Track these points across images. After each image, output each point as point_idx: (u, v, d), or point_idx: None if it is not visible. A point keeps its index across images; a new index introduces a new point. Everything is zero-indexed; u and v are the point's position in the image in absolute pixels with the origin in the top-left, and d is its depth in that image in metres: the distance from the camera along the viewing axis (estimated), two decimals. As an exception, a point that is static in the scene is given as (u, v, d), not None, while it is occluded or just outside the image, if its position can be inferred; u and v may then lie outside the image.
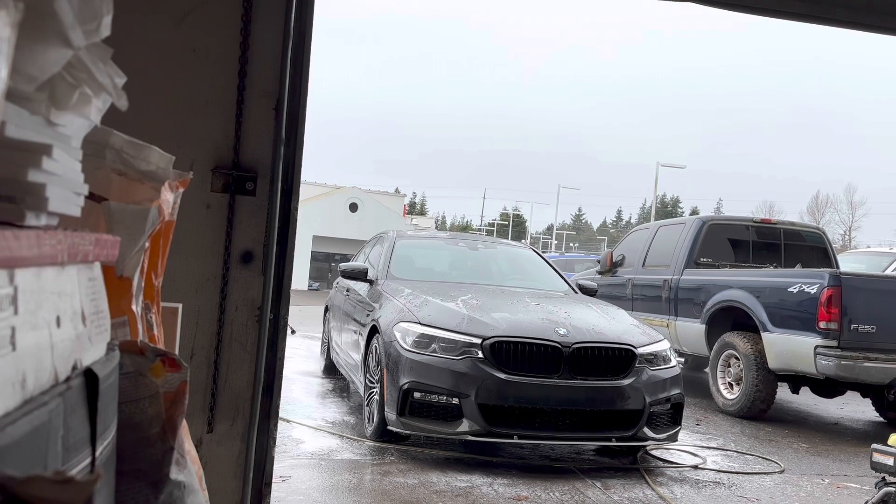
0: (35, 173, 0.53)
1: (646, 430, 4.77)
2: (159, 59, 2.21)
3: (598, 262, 10.74)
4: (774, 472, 5.10)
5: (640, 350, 4.87)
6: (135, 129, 0.92)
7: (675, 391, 4.95)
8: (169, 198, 0.94)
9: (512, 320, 4.91)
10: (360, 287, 6.19)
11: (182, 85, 2.24)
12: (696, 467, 5.05)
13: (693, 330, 7.95)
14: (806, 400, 7.84)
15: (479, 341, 4.63)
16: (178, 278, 2.14)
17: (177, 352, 1.19)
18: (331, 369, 7.34)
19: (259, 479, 2.35)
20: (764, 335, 6.91)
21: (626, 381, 4.72)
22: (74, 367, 0.58)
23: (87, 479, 0.40)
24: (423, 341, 4.69)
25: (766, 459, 5.43)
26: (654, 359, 4.93)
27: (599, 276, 9.86)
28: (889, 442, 3.52)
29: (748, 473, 5.04)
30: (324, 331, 7.97)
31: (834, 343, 6.31)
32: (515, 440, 4.60)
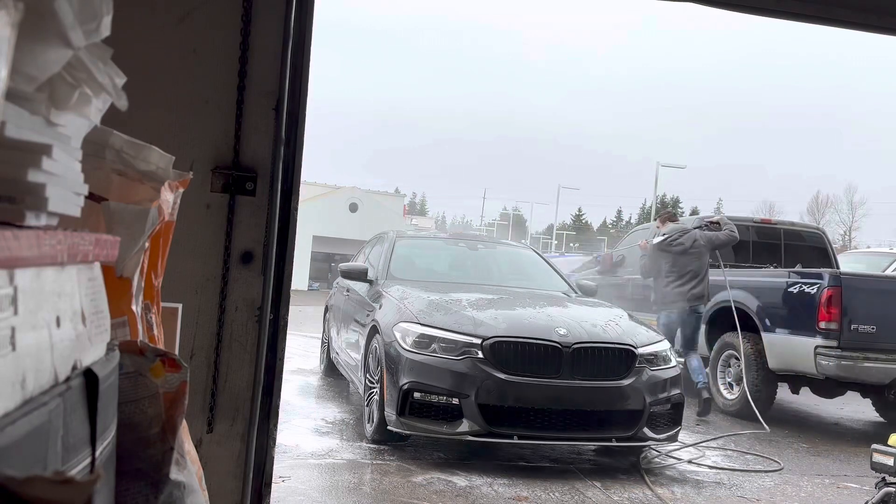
0: (35, 173, 0.52)
1: (646, 430, 4.77)
2: (159, 59, 2.21)
3: (597, 258, 10.73)
4: (774, 472, 5.10)
5: (640, 350, 4.87)
6: (135, 129, 0.92)
7: (675, 391, 4.96)
8: (169, 198, 0.94)
9: (512, 320, 4.91)
10: (360, 287, 6.19)
11: (182, 85, 2.24)
12: (690, 462, 5.05)
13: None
14: (806, 400, 7.84)
15: (479, 341, 4.63)
16: (178, 278, 2.14)
17: (177, 352, 1.19)
18: (331, 369, 7.34)
19: (259, 479, 2.35)
20: (764, 335, 6.91)
21: (626, 382, 4.72)
22: (74, 368, 0.58)
23: (87, 479, 0.40)
24: (423, 341, 4.69)
25: (767, 459, 5.43)
26: (654, 359, 4.93)
27: (600, 277, 9.86)
28: (889, 442, 3.52)
29: (748, 473, 5.04)
30: (324, 331, 7.97)
31: (834, 343, 6.31)
32: (515, 440, 4.60)
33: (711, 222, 7.56)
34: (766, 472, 5.12)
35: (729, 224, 7.45)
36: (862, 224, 58.81)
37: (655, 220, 8.56)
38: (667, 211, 8.38)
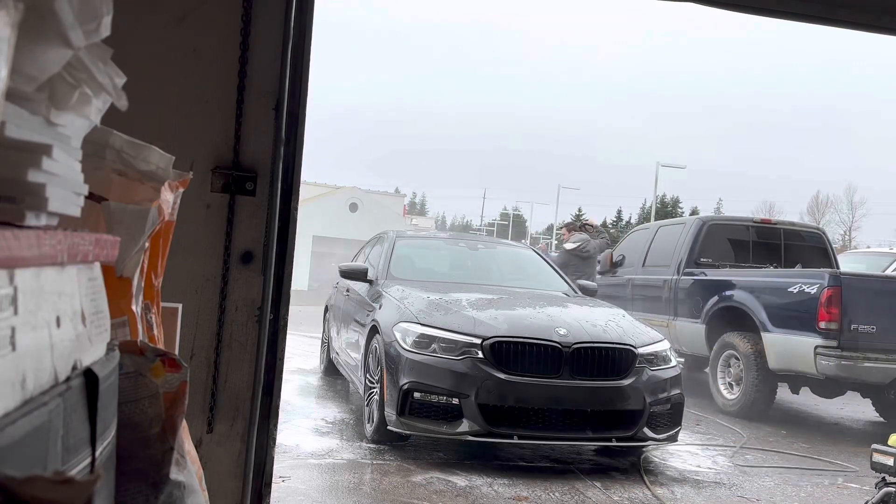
0: (35, 173, 0.52)
1: (646, 430, 4.77)
2: (159, 59, 2.21)
3: (598, 261, 10.76)
4: (774, 473, 5.11)
5: (641, 350, 4.87)
6: (135, 129, 0.92)
7: (675, 391, 4.95)
8: (169, 198, 0.94)
9: (512, 320, 4.91)
10: (360, 287, 6.19)
11: (182, 85, 2.24)
12: (697, 467, 5.05)
13: (693, 330, 7.95)
14: (806, 400, 7.84)
15: (479, 341, 4.63)
16: (178, 278, 2.14)
17: (177, 352, 1.19)
18: (331, 369, 7.34)
19: (259, 479, 2.35)
20: (764, 335, 6.91)
21: (627, 382, 4.72)
22: (74, 368, 0.58)
23: (87, 480, 0.40)
24: (423, 341, 4.69)
25: (766, 459, 5.43)
26: (654, 359, 4.92)
27: (600, 276, 9.86)
28: (889, 442, 3.52)
29: (748, 473, 5.04)
30: (324, 331, 7.97)
31: (834, 343, 6.31)
32: (515, 440, 4.60)
33: (590, 224, 10.08)
34: (766, 472, 5.12)
35: (602, 231, 10.00)
36: (862, 224, 58.83)
37: (561, 228, 10.70)
38: (572, 222, 10.51)
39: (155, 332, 0.97)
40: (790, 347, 6.62)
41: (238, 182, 2.26)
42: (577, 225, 10.09)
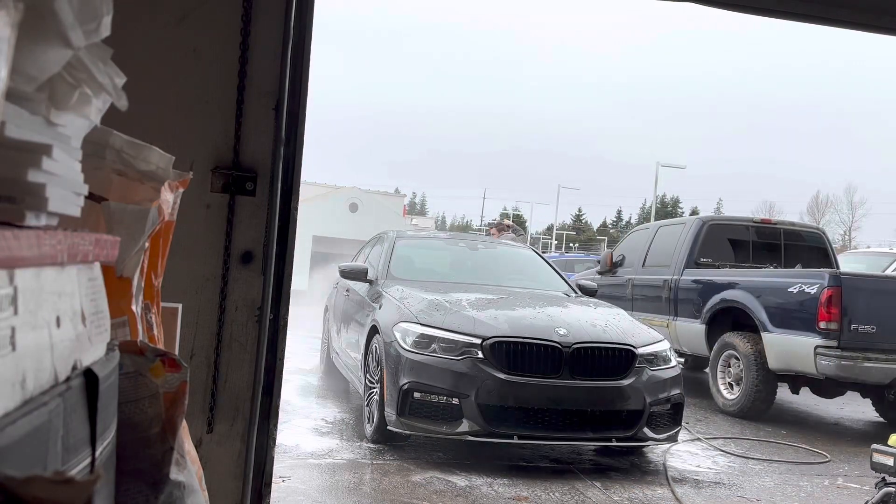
0: (35, 173, 0.52)
1: (646, 430, 4.77)
2: (159, 59, 2.21)
3: (598, 262, 10.77)
4: (774, 473, 5.10)
5: (640, 350, 4.87)
6: (135, 129, 0.92)
7: (675, 391, 4.95)
8: (169, 198, 0.94)
9: (512, 320, 4.91)
10: (360, 287, 6.19)
11: (182, 85, 2.23)
12: (697, 464, 5.05)
13: (693, 330, 7.95)
14: (806, 400, 7.84)
15: (479, 341, 4.63)
16: (178, 278, 2.14)
17: (177, 352, 1.19)
18: (331, 369, 7.34)
19: (259, 479, 2.35)
20: (764, 335, 6.91)
21: (626, 382, 4.72)
22: (74, 368, 0.58)
23: (87, 480, 0.40)
24: (423, 341, 4.69)
25: (767, 459, 5.42)
26: (654, 359, 4.92)
27: (599, 276, 9.86)
28: (889, 442, 3.52)
29: (748, 473, 5.04)
30: (324, 331, 7.97)
31: (834, 343, 6.31)
32: (515, 440, 4.60)
33: (508, 225, 10.98)
34: (766, 472, 5.12)
35: (520, 230, 10.95)
36: (862, 224, 58.86)
37: (492, 227, 11.25)
38: (499, 222, 11.29)
39: (155, 332, 0.97)
40: (790, 347, 6.62)
41: (238, 182, 2.25)
42: (505, 225, 11.14)
